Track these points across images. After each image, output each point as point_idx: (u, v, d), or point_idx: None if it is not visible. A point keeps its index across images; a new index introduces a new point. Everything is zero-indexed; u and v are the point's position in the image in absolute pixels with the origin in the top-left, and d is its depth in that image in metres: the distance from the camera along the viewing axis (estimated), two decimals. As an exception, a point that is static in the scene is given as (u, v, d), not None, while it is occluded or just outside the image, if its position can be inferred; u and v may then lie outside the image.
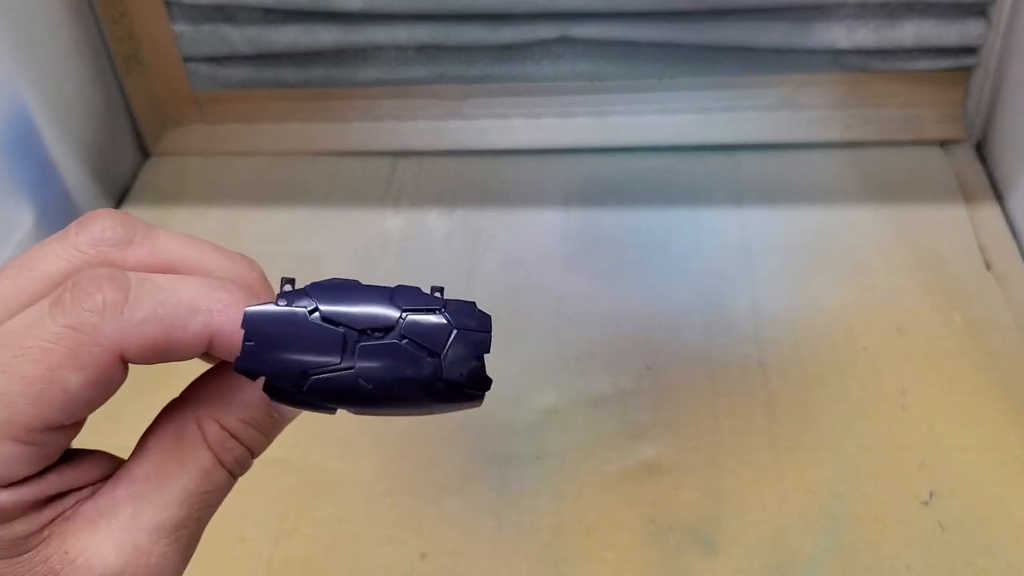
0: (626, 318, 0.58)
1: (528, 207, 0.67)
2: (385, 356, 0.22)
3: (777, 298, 0.59)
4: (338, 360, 0.22)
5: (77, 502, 0.22)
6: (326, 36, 0.68)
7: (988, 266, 0.60)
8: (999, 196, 0.64)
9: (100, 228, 0.23)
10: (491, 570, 0.47)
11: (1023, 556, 0.46)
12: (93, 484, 0.22)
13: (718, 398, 0.53)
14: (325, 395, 0.22)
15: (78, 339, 0.20)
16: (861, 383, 0.54)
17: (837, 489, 0.49)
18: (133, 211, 0.69)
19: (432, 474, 0.51)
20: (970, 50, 0.66)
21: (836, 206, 0.64)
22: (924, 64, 0.67)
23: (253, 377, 0.22)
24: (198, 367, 0.24)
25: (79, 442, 0.23)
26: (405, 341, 0.22)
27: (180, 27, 0.68)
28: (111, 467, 0.23)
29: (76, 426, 0.22)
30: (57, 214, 0.63)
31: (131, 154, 0.73)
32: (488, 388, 0.23)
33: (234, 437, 0.23)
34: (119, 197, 0.71)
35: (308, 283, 0.23)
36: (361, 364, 0.22)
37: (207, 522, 0.23)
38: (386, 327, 0.22)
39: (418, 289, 0.23)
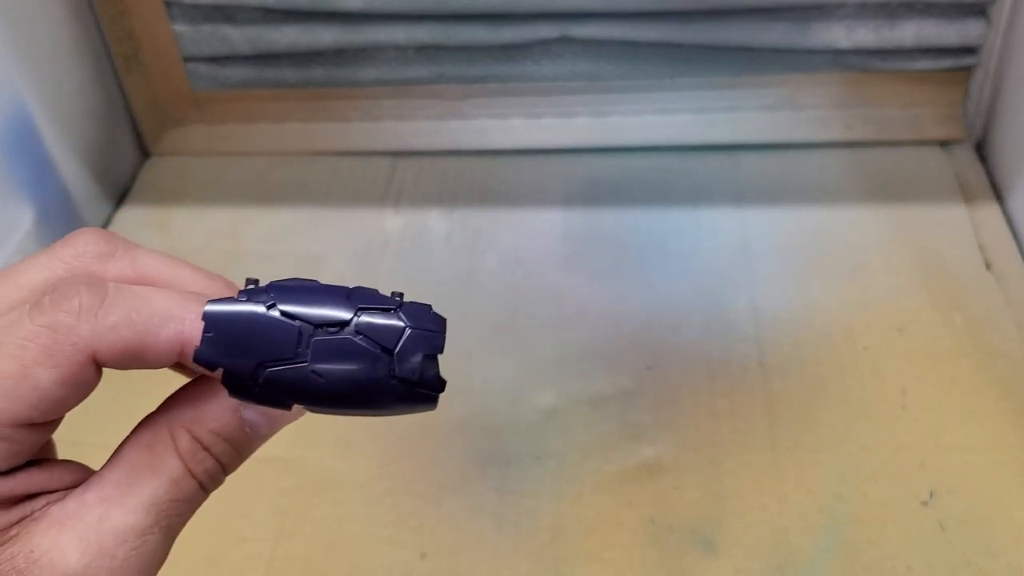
0: (626, 318, 0.58)
1: (528, 207, 0.67)
2: (339, 351, 0.22)
3: (777, 298, 0.59)
4: (293, 354, 0.22)
5: (46, 504, 0.22)
6: (326, 36, 0.68)
7: (988, 266, 0.60)
8: (999, 196, 0.64)
9: (83, 242, 0.24)
10: (491, 570, 0.47)
11: (1023, 556, 0.46)
12: (64, 490, 0.23)
13: (718, 398, 0.53)
14: (280, 389, 0.22)
15: (53, 338, 0.21)
16: (861, 383, 0.54)
17: (837, 489, 0.49)
18: (133, 211, 0.69)
19: (432, 474, 0.51)
20: (970, 50, 0.66)
21: (836, 206, 0.64)
22: (924, 64, 0.67)
23: (212, 369, 0.22)
24: (179, 378, 0.25)
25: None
26: (359, 337, 0.22)
27: (180, 27, 0.68)
28: (83, 475, 0.23)
29: (48, 427, 0.22)
30: (57, 214, 0.63)
31: (131, 154, 0.73)
32: (442, 389, 0.23)
33: (205, 448, 0.23)
34: (119, 197, 0.70)
35: (269, 282, 0.23)
36: (315, 358, 0.22)
37: (175, 533, 0.23)
38: (341, 323, 0.22)
39: (376, 291, 0.24)
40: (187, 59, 0.70)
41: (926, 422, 0.52)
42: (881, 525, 0.47)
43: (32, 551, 0.21)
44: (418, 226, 0.66)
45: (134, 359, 0.22)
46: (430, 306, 0.24)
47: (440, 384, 0.23)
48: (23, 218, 0.61)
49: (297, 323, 0.22)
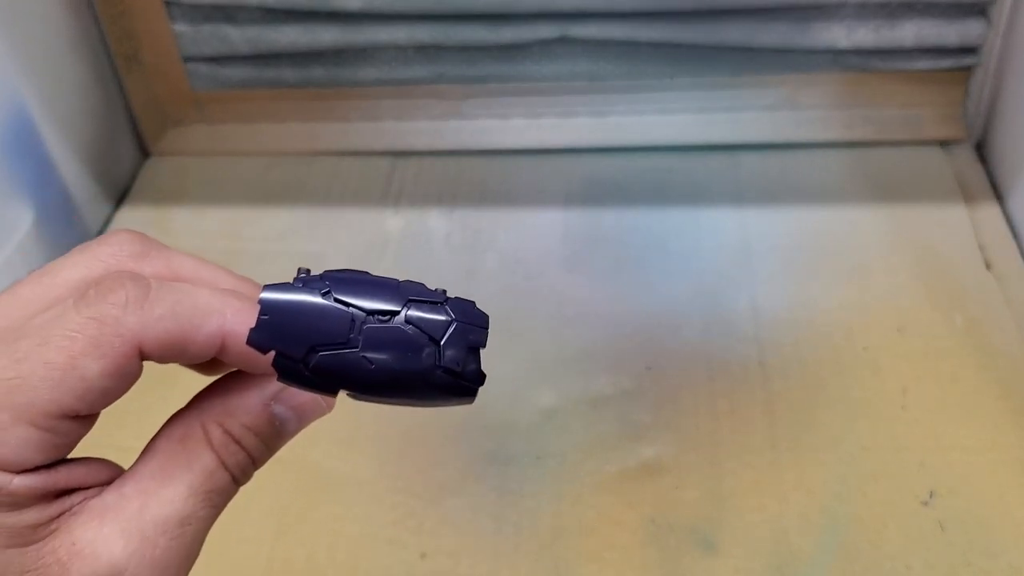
0: (626, 318, 0.58)
1: (528, 207, 0.67)
2: (389, 339, 0.23)
3: (777, 298, 0.59)
4: (345, 340, 0.23)
5: (83, 500, 0.23)
6: (326, 36, 0.68)
7: (988, 266, 0.60)
8: (999, 196, 0.64)
9: (119, 241, 0.25)
10: (491, 570, 0.47)
11: (1023, 556, 0.46)
12: (99, 486, 0.23)
13: (718, 398, 0.53)
14: (330, 373, 0.23)
15: (100, 329, 0.21)
16: (861, 383, 0.54)
17: (837, 489, 0.49)
18: (133, 211, 0.69)
19: (432, 474, 0.51)
20: (970, 50, 0.66)
21: (836, 206, 0.64)
22: (924, 64, 0.67)
23: (264, 351, 0.23)
24: (200, 380, 0.25)
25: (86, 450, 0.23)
26: (409, 327, 0.23)
27: (180, 27, 0.68)
28: (115, 473, 0.24)
29: (89, 420, 0.22)
30: (57, 214, 0.63)
31: (131, 154, 0.73)
32: (482, 383, 0.24)
33: (236, 442, 0.24)
34: (119, 197, 0.70)
35: (323, 271, 0.24)
36: (366, 344, 0.23)
37: (210, 525, 0.24)
38: (391, 313, 0.23)
39: (423, 285, 0.24)
40: (187, 59, 0.70)
41: (926, 422, 0.52)
42: (881, 525, 0.47)
43: (74, 543, 0.22)
44: (418, 226, 0.66)
45: (177, 351, 0.22)
46: (474, 302, 0.25)
47: (480, 378, 0.24)
48: (23, 218, 0.61)
49: (351, 310, 0.23)
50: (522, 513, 0.49)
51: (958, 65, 0.67)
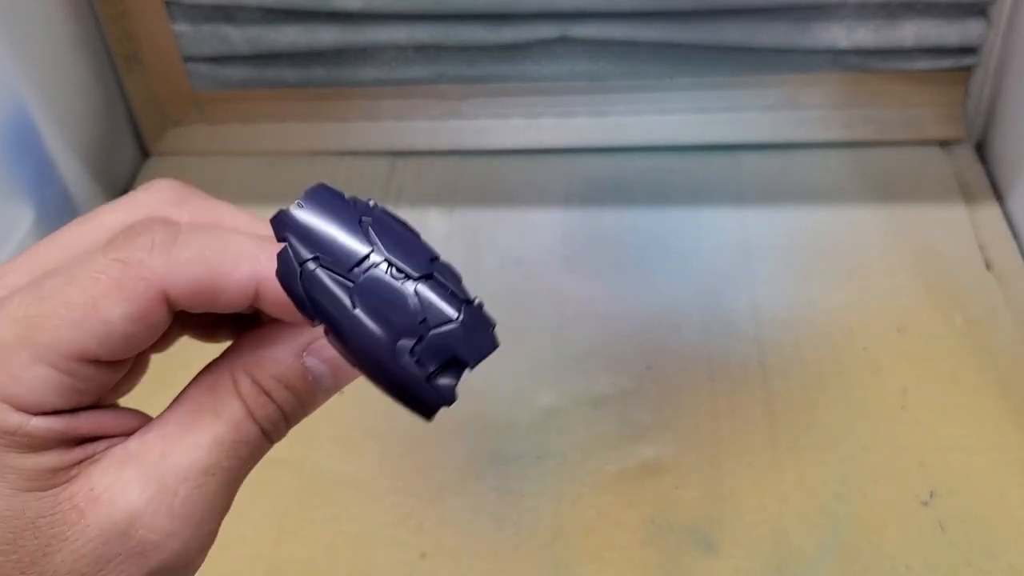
0: (626, 318, 0.58)
1: (528, 207, 0.67)
2: (387, 295, 0.21)
3: (777, 298, 0.59)
4: (348, 269, 0.21)
5: (107, 447, 0.22)
6: (326, 36, 0.68)
7: (988, 266, 0.60)
8: (999, 196, 0.64)
9: (159, 188, 0.24)
10: (491, 570, 0.47)
11: (1023, 557, 0.46)
12: (125, 435, 0.22)
13: (718, 398, 0.53)
14: (318, 293, 0.21)
15: (124, 271, 0.21)
16: (861, 383, 0.54)
17: (837, 489, 0.49)
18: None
19: (432, 474, 0.51)
20: (970, 50, 0.66)
21: (836, 206, 0.64)
22: (924, 64, 0.67)
23: (279, 236, 0.21)
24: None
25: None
26: (414, 297, 0.21)
27: (180, 27, 0.68)
28: (143, 422, 0.23)
29: (114, 368, 0.22)
30: (57, 214, 0.63)
31: (131, 154, 0.73)
32: (447, 403, 0.21)
33: (266, 393, 0.23)
34: (118, 197, 0.70)
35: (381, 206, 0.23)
36: (364, 284, 0.21)
37: (238, 480, 0.23)
38: (408, 275, 0.22)
39: (459, 275, 0.23)
40: (187, 59, 0.70)
41: (926, 422, 0.52)
42: (881, 525, 0.47)
43: (92, 489, 0.21)
44: (418, 226, 0.65)
45: (206, 298, 0.22)
46: (494, 327, 0.22)
47: (450, 396, 0.21)
48: (23, 218, 0.61)
49: (370, 247, 0.22)
50: (522, 513, 0.49)
51: (958, 65, 0.67)
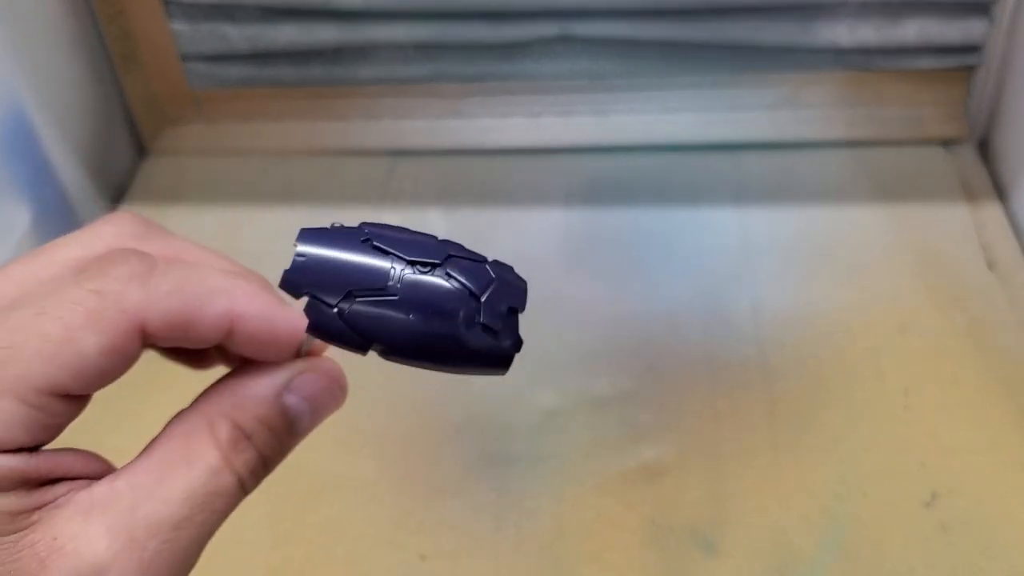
0: (626, 318, 0.58)
1: (528, 207, 0.66)
2: (429, 290, 0.22)
3: (778, 298, 0.58)
4: (383, 287, 0.22)
5: (69, 491, 0.21)
6: (325, 34, 0.67)
7: (990, 266, 0.60)
8: (1002, 195, 0.64)
9: (120, 222, 0.23)
10: (491, 571, 0.47)
11: (1026, 558, 0.46)
12: (87, 479, 0.21)
13: (719, 399, 0.53)
14: (365, 322, 0.21)
15: (101, 302, 0.20)
16: (863, 383, 0.53)
17: (838, 490, 0.49)
18: (131, 210, 0.69)
19: (432, 475, 0.51)
20: (973, 49, 0.66)
21: (838, 205, 0.64)
22: (927, 63, 0.67)
23: (298, 293, 0.21)
24: (201, 381, 0.24)
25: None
26: (451, 279, 0.22)
27: (178, 25, 0.68)
28: (106, 468, 0.22)
29: (80, 402, 0.21)
30: (55, 213, 0.63)
31: (129, 153, 0.73)
32: (519, 350, 0.23)
33: (247, 437, 0.22)
34: (117, 196, 0.70)
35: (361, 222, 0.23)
36: (405, 292, 0.22)
37: (210, 533, 0.22)
38: (432, 264, 0.22)
39: (463, 244, 0.24)
40: (185, 58, 0.70)
41: (928, 423, 0.51)
42: (883, 526, 0.47)
43: (56, 538, 0.20)
44: (417, 225, 0.65)
45: (182, 332, 0.21)
46: (513, 267, 0.24)
47: (518, 344, 0.23)
48: (20, 217, 0.60)
49: (391, 257, 0.22)
50: (522, 514, 0.49)
51: (960, 64, 0.67)
